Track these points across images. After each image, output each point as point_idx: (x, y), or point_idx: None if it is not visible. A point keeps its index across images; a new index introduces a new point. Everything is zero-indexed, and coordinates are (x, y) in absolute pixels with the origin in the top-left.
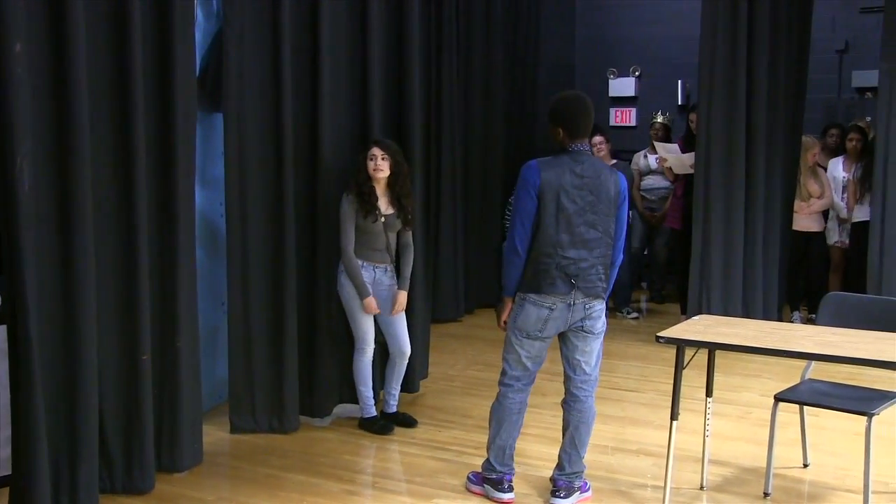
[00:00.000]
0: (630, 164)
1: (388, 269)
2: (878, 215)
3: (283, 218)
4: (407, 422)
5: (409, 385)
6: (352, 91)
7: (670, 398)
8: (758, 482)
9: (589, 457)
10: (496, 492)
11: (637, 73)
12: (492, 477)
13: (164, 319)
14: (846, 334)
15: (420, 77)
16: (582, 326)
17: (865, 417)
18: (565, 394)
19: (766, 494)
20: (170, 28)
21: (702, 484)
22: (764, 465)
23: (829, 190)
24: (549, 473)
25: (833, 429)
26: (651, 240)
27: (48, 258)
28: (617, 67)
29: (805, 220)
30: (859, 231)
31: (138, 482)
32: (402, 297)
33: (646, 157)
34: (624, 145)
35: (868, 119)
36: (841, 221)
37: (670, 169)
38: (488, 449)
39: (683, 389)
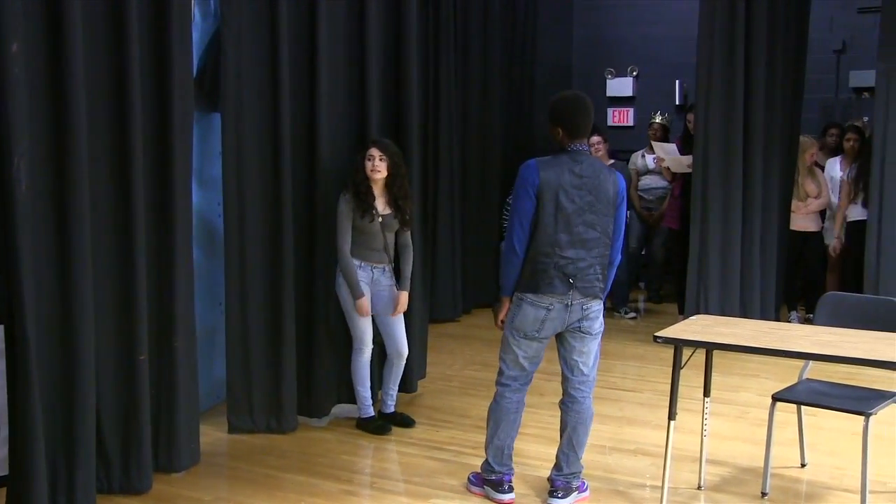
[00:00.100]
0: (628, 163)
1: (387, 269)
2: (875, 215)
3: (281, 218)
4: (405, 422)
5: (406, 385)
6: (350, 91)
7: (668, 398)
8: (755, 482)
9: (587, 457)
10: (496, 493)
11: (635, 74)
12: (491, 478)
13: (161, 319)
14: (844, 334)
15: (418, 77)
16: (579, 327)
17: (863, 417)
18: (563, 394)
19: (763, 494)
20: (167, 28)
21: (699, 484)
22: (761, 464)
23: (826, 190)
24: (547, 473)
25: (831, 428)
26: (649, 240)
27: (45, 258)
28: (615, 67)
29: (802, 220)
30: (854, 230)
31: (135, 482)
32: (404, 297)
33: (643, 156)
34: (621, 145)
35: (865, 119)
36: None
37: (668, 169)
38: (486, 449)
39: (681, 389)
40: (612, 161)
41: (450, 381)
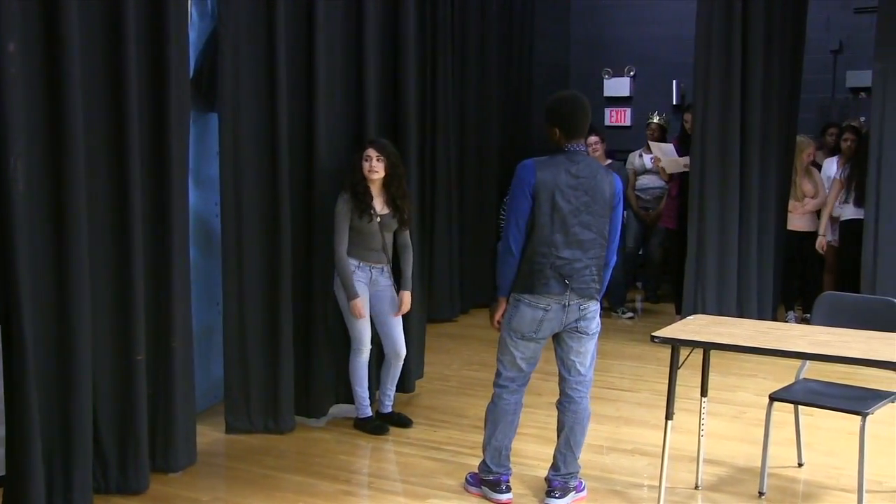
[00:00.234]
0: (625, 163)
1: (385, 269)
2: (872, 215)
3: (279, 218)
4: (402, 422)
5: (404, 385)
6: (347, 91)
7: (665, 398)
8: (753, 481)
9: (584, 456)
10: (494, 493)
11: (632, 74)
12: (489, 478)
13: (158, 319)
14: (840, 334)
15: (415, 77)
16: (576, 327)
17: (860, 417)
18: (560, 394)
19: (760, 494)
20: (164, 28)
21: (697, 483)
22: (759, 464)
23: (822, 190)
24: (545, 473)
25: (828, 428)
26: (646, 240)
27: (42, 258)
28: (612, 67)
29: (799, 220)
30: (846, 230)
31: (133, 482)
32: (406, 297)
33: (641, 156)
34: (619, 145)
35: (862, 119)
36: (833, 221)
37: (664, 169)
38: (484, 450)
39: (678, 389)
40: (609, 161)
41: (447, 381)
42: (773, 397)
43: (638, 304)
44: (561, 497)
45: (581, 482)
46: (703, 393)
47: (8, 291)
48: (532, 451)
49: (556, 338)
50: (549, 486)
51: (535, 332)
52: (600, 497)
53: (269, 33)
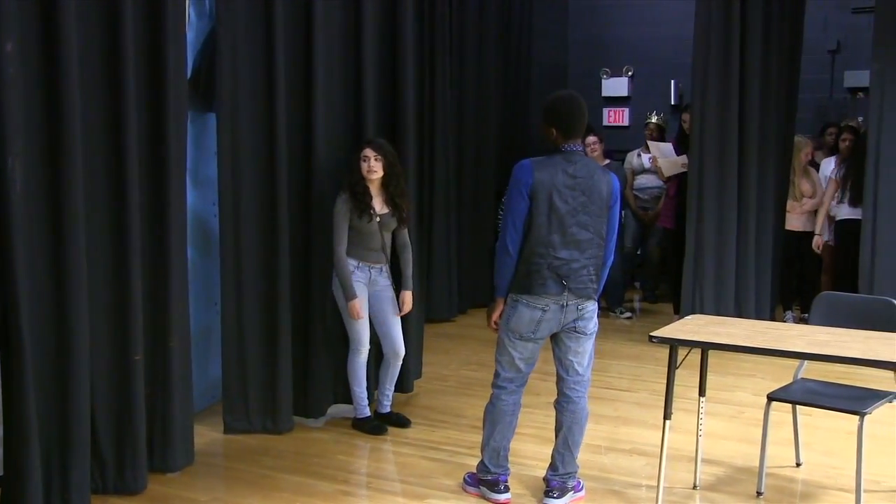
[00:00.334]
0: (623, 163)
1: (384, 269)
2: (870, 215)
3: (277, 218)
4: (400, 422)
5: (402, 385)
6: (346, 91)
7: (663, 398)
8: (751, 481)
9: (582, 456)
10: (492, 493)
11: (630, 74)
12: (487, 478)
13: (156, 320)
14: (838, 334)
15: (413, 77)
16: (574, 327)
17: (858, 416)
18: (558, 394)
19: (759, 493)
20: (161, 28)
21: (695, 483)
22: (757, 464)
23: (820, 189)
24: (543, 473)
25: (826, 428)
26: (644, 239)
27: (40, 258)
28: (610, 67)
29: (797, 220)
30: (841, 230)
31: (130, 482)
32: (409, 297)
33: (639, 155)
34: (617, 145)
35: (860, 119)
36: (830, 221)
37: (661, 169)
38: (482, 451)
39: (676, 389)
40: (607, 161)
41: (446, 381)
42: (772, 397)
43: (636, 304)
44: (559, 497)
45: (579, 482)
46: (702, 393)
47: (6, 291)
48: (530, 451)
49: (554, 338)
50: (547, 486)
51: (534, 332)
52: (598, 497)
53: (268, 33)
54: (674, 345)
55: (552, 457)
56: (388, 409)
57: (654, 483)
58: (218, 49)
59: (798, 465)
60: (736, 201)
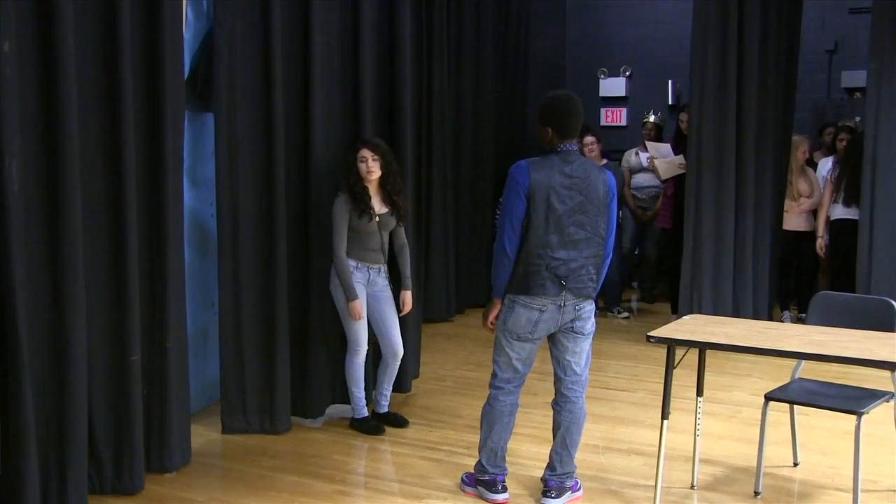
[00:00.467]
0: (620, 163)
1: (382, 269)
2: (867, 215)
3: (275, 218)
4: (398, 422)
5: (400, 385)
6: (343, 91)
7: (661, 397)
8: (748, 481)
9: (580, 456)
10: (490, 493)
11: (628, 73)
12: (485, 478)
13: (153, 320)
14: (836, 333)
15: (411, 77)
16: (572, 327)
17: (855, 416)
18: (556, 394)
19: (756, 493)
20: (159, 28)
21: (692, 483)
22: (754, 464)
23: (818, 189)
24: (541, 473)
25: (823, 428)
26: (642, 239)
27: (37, 258)
28: (607, 67)
29: (795, 220)
30: (836, 229)
31: (128, 483)
32: (409, 297)
33: (637, 154)
34: (615, 145)
35: (857, 119)
36: (826, 220)
37: (658, 169)
38: (480, 451)
39: (674, 389)
40: (604, 161)
41: (443, 381)
42: (769, 397)
43: (634, 304)
44: (557, 497)
45: (577, 482)
46: (699, 393)
47: (3, 291)
48: (528, 451)
49: (552, 338)
50: (545, 486)
51: (531, 332)
52: (596, 497)
53: (265, 33)
54: (671, 345)
55: (550, 457)
56: (385, 410)
57: (652, 483)
58: (215, 49)
59: (795, 464)
60: (733, 201)
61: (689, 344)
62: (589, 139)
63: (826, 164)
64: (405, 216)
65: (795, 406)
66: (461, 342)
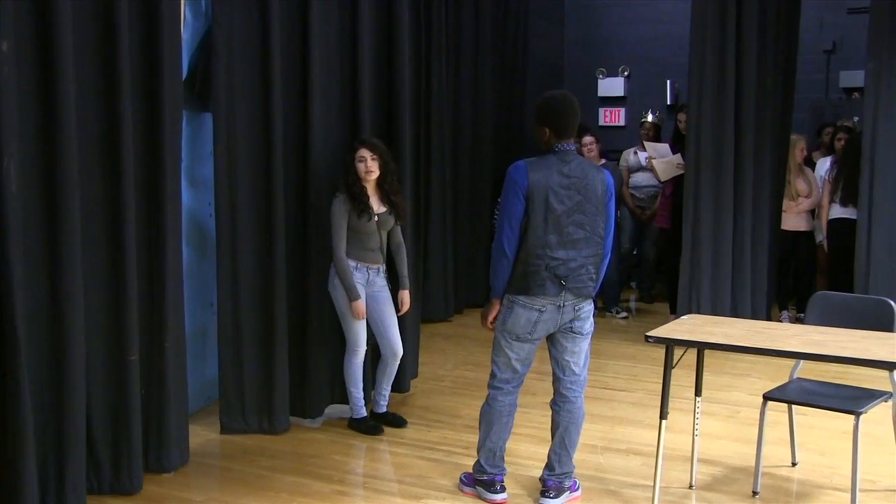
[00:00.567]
0: (619, 163)
1: (381, 269)
2: (865, 215)
3: (273, 218)
4: (397, 422)
5: (399, 385)
6: (342, 91)
7: (659, 397)
8: (746, 481)
9: (578, 456)
10: (488, 493)
11: (626, 73)
12: (483, 478)
13: (151, 319)
14: (834, 333)
15: (410, 77)
16: (571, 327)
17: (853, 416)
18: (554, 394)
19: (754, 493)
20: (157, 28)
21: (691, 483)
22: (753, 463)
23: (816, 189)
24: (539, 473)
25: (821, 427)
26: (641, 239)
27: (35, 258)
28: (606, 67)
29: (793, 220)
30: (833, 229)
31: (126, 483)
32: (407, 296)
33: (635, 153)
34: (613, 145)
35: (856, 119)
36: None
37: (656, 169)
38: (479, 451)
39: (672, 389)
40: (603, 161)
41: (442, 381)
42: (767, 397)
43: (632, 304)
44: (555, 497)
45: (575, 482)
46: (698, 392)
47: (1, 291)
48: (527, 451)
49: (551, 338)
50: (543, 486)
51: (530, 333)
52: (595, 497)
53: (264, 33)
54: (670, 345)
55: (548, 457)
56: (384, 410)
57: (651, 483)
58: (214, 49)
59: (794, 464)
60: (732, 201)
61: (688, 344)
62: (588, 139)
63: (824, 164)
64: (404, 216)
65: (794, 406)
66: (460, 342)
